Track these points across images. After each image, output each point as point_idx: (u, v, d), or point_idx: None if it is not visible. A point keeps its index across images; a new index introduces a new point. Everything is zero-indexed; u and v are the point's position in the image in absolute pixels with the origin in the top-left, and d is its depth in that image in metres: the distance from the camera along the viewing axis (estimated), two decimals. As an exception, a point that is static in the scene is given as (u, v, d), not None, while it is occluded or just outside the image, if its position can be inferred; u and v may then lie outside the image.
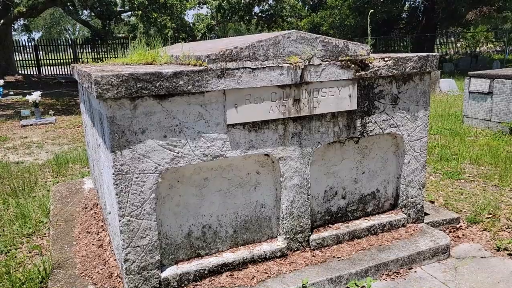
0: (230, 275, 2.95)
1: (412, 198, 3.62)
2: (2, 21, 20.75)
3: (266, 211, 3.17)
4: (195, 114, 2.71)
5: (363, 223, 3.46)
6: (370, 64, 3.14)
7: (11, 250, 3.76)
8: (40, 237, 3.99)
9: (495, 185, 5.03)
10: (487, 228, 3.89)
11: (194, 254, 2.99)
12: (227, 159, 2.89)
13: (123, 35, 24.13)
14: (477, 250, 3.54)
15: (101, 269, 3.09)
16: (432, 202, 4.40)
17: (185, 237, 2.93)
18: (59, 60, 27.19)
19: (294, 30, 2.91)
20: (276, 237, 3.24)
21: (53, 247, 3.58)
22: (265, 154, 3.00)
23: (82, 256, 3.35)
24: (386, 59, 3.19)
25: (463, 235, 3.79)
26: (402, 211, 3.63)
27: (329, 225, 3.42)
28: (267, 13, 24.41)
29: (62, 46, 28.67)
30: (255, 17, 23.87)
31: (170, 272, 2.82)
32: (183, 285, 2.84)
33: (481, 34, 31.06)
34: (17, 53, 26.10)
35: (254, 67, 2.76)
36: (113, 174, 2.56)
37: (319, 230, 3.35)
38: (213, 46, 3.13)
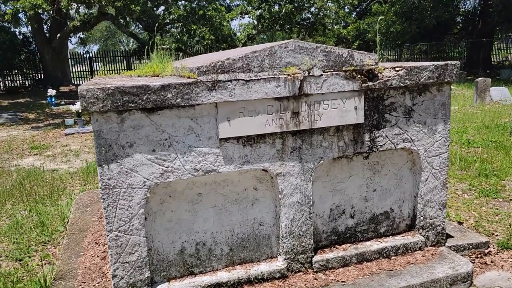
0: (224, 295, 2.82)
1: (431, 219, 3.32)
2: (58, 35, 22.06)
3: (264, 229, 3.02)
4: (185, 128, 2.62)
5: (373, 245, 3.21)
6: (379, 75, 2.92)
7: (25, 258, 3.86)
8: (54, 246, 4.07)
9: (538, 205, 4.55)
10: (520, 254, 3.49)
11: (187, 272, 2.89)
12: (222, 174, 2.78)
13: (167, 46, 24.87)
14: (506, 279, 3.17)
15: (98, 283, 3.07)
16: (461, 223, 4.03)
17: (177, 254, 2.84)
18: (112, 71, 28.47)
19: (292, 40, 2.76)
20: (276, 256, 3.07)
21: (62, 257, 3.62)
22: (263, 170, 2.86)
23: (85, 267, 3.36)
24: (397, 68, 2.96)
25: (491, 261, 3.42)
26: (420, 233, 3.33)
27: (336, 245, 3.20)
28: (307, 21, 24.20)
29: (117, 57, 30.01)
30: (296, 25, 23.74)
31: (160, 289, 2.74)
32: (173, 304, 2.75)
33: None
34: (75, 65, 27.66)
35: (248, 79, 2.64)
36: (100, 188, 2.52)
37: (324, 251, 3.14)
38: (211, 58, 3.04)
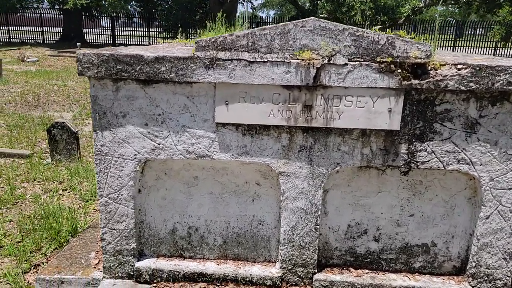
0: (205, 288, 2.66)
1: (488, 269, 2.52)
2: (229, -1, 23.36)
3: (264, 230, 2.70)
4: (180, 106, 2.43)
5: (398, 280, 2.60)
6: (431, 72, 2.22)
7: (83, 205, 4.29)
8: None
9: None
10: None
11: (177, 254, 2.79)
12: (220, 161, 2.54)
13: (325, 15, 24.16)
14: None
15: (111, 239, 3.22)
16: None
17: (168, 233, 2.75)
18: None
19: (313, 18, 2.26)
20: (275, 262, 2.74)
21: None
22: (268, 165, 2.52)
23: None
24: (459, 66, 2.20)
25: None
26: (469, 283, 2.57)
27: (349, 268, 2.70)
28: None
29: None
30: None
31: (145, 264, 2.71)
32: (155, 281, 2.70)
33: None
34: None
35: (252, 60, 2.28)
36: (94, 152, 2.55)
37: (331, 271, 2.68)
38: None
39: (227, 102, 2.38)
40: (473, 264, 2.53)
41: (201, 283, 2.68)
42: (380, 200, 2.58)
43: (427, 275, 2.66)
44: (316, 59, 2.26)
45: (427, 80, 2.23)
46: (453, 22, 29.92)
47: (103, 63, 2.35)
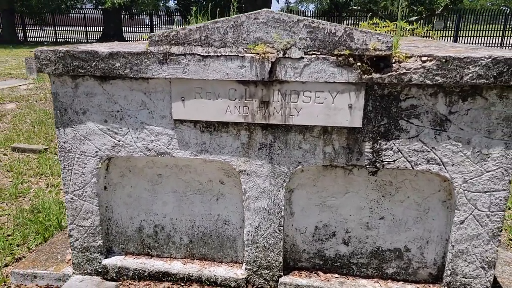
0: None
1: (465, 278, 2.33)
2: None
3: (230, 230, 2.62)
4: (138, 102, 2.39)
5: (369, 286, 2.45)
6: (393, 65, 2.06)
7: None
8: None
9: None
10: None
11: (145, 252, 2.75)
12: (183, 159, 2.48)
13: (357, 7, 23.58)
14: None
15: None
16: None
17: (135, 231, 2.72)
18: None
19: (266, 9, 2.13)
20: (242, 263, 2.65)
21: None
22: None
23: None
24: (424, 58, 2.03)
25: None
26: (445, 291, 2.39)
27: (318, 272, 2.57)
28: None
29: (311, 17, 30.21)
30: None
31: (111, 261, 2.69)
32: (121, 278, 2.68)
33: None
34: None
35: (205, 54, 2.20)
36: (58, 149, 2.55)
37: (299, 274, 2.56)
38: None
39: (183, 98, 2.31)
40: (449, 272, 2.35)
41: (166, 283, 2.64)
42: (348, 201, 2.44)
43: (401, 282, 2.49)
44: (271, 53, 2.14)
45: (389, 74, 2.06)
46: (507, 11, 27.74)
47: (60, 60, 2.34)
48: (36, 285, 2.83)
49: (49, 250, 3.10)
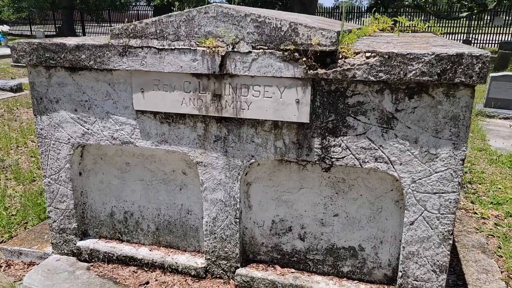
0: (133, 272, 2.72)
1: (416, 281, 2.27)
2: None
3: (192, 220, 2.69)
4: (103, 93, 2.51)
5: (322, 283, 2.45)
6: (339, 61, 2.04)
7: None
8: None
9: None
10: None
11: (116, 236, 2.89)
12: (147, 149, 2.58)
13: (407, 2, 22.68)
14: None
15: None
16: (529, 305, 2.60)
17: (108, 216, 2.86)
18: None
19: (216, 3, 2.17)
20: (204, 253, 2.72)
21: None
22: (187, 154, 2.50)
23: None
24: (368, 54, 1.99)
25: None
26: (398, 293, 2.34)
27: (276, 265, 2.59)
28: None
29: (350, 14, 29.64)
30: None
31: (85, 243, 2.85)
32: (93, 260, 2.83)
33: None
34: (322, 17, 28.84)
35: (161, 47, 2.28)
36: (36, 135, 2.73)
37: (256, 266, 2.59)
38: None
39: (142, 90, 2.41)
40: (401, 274, 2.30)
41: (131, 267, 2.76)
42: (302, 197, 2.44)
43: (356, 281, 2.46)
44: (221, 47, 2.18)
45: (333, 70, 2.05)
46: None
47: (34, 51, 2.50)
48: (22, 261, 3.05)
49: (39, 230, 3.31)
